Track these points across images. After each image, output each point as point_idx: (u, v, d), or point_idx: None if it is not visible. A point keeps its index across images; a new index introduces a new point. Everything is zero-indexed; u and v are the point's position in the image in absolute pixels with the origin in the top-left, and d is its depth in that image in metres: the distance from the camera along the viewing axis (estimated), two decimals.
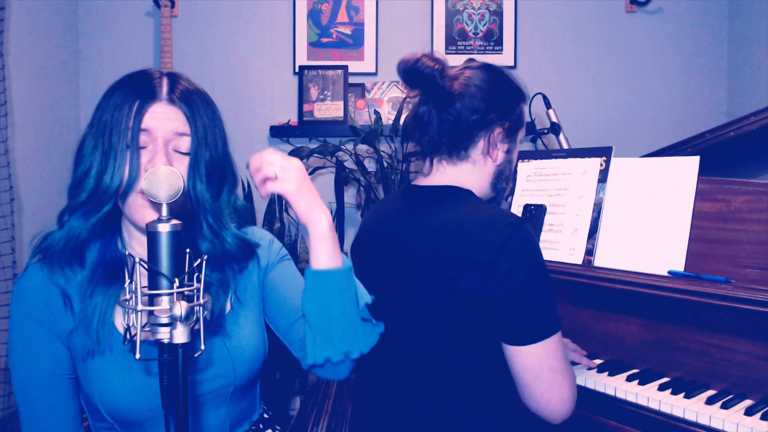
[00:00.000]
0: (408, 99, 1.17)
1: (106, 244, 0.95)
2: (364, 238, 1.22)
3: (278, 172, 0.91)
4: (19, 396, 0.94)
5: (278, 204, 2.31)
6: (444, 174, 1.14)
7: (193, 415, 0.97)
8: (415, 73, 1.09)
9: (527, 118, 1.21)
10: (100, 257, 0.93)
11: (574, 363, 1.33)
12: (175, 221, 0.68)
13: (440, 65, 1.09)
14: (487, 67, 1.15)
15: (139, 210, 0.90)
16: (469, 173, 1.14)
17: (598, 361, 1.34)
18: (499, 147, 1.14)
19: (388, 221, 1.16)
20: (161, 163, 0.88)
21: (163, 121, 0.90)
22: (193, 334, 0.67)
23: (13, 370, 0.94)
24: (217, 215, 0.97)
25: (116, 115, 0.90)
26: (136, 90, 0.91)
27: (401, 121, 1.20)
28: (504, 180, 1.18)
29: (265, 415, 1.13)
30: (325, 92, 2.55)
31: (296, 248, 2.35)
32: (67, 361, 0.94)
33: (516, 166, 1.67)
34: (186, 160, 0.92)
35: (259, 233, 1.10)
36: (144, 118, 0.89)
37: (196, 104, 0.94)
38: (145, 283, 0.67)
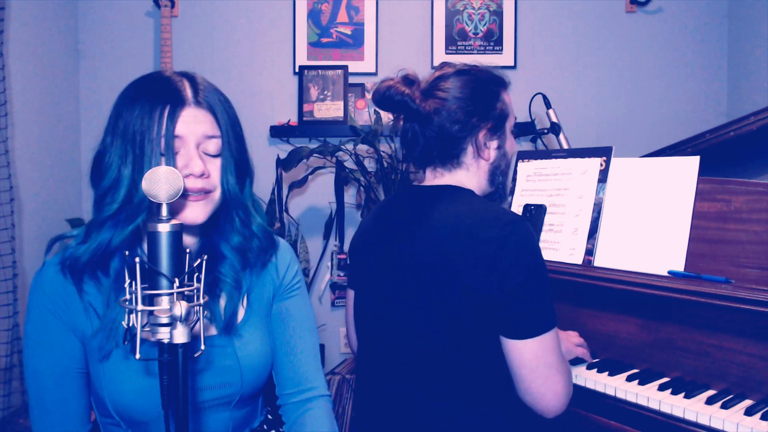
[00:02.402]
0: (396, 117, 1.19)
1: (129, 251, 0.94)
2: (364, 239, 1.23)
3: None
4: (30, 387, 0.95)
5: (278, 204, 2.31)
6: (442, 178, 1.16)
7: (195, 419, 0.98)
8: (388, 101, 1.12)
9: (511, 105, 1.21)
10: (122, 264, 0.93)
11: (577, 360, 1.33)
12: (175, 221, 0.68)
13: (410, 89, 1.12)
14: (460, 73, 1.15)
15: (187, 210, 0.91)
16: (465, 177, 1.16)
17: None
18: (489, 146, 1.16)
19: (389, 221, 1.17)
20: (197, 167, 0.90)
21: (193, 125, 0.91)
22: (194, 334, 0.67)
23: (27, 361, 0.95)
24: (246, 208, 0.99)
25: (146, 122, 0.88)
26: (161, 96, 0.90)
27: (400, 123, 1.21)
28: (501, 174, 1.20)
29: (269, 416, 1.13)
30: (325, 92, 2.55)
31: (296, 248, 2.35)
32: (80, 356, 0.95)
33: (516, 162, 1.67)
34: (217, 162, 0.94)
35: (281, 245, 1.11)
36: (177, 124, 0.89)
37: (219, 104, 0.95)
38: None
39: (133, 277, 0.67)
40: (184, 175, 0.89)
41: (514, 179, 1.66)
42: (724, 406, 1.10)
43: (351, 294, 1.30)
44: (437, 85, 1.14)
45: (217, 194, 0.95)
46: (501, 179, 1.20)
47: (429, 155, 1.15)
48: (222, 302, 0.99)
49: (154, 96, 0.90)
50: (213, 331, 0.99)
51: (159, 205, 0.69)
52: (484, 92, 1.15)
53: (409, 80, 1.14)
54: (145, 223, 0.89)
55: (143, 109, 0.89)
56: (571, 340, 1.34)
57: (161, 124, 0.88)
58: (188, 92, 0.92)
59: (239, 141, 0.98)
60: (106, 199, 0.89)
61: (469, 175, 1.16)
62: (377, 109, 1.16)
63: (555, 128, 1.94)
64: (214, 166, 0.94)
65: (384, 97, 1.12)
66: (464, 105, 1.12)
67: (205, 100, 0.93)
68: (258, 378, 1.03)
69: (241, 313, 1.02)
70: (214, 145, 0.94)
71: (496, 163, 1.18)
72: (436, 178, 1.17)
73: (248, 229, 1.00)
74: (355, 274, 1.26)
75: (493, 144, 1.16)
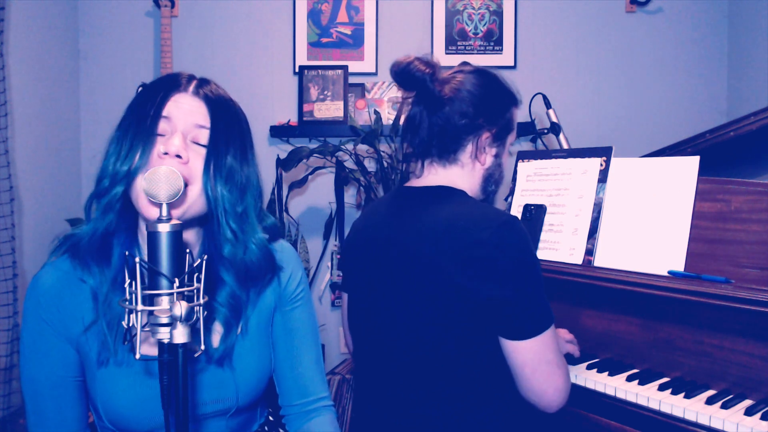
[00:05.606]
0: (405, 98, 1.18)
1: (126, 247, 0.92)
2: (358, 240, 1.22)
3: None
4: (27, 395, 0.94)
5: (278, 204, 2.31)
6: (436, 176, 1.16)
7: (191, 427, 0.97)
8: (407, 76, 1.11)
9: (517, 123, 1.22)
10: (121, 262, 0.91)
11: (576, 359, 1.33)
12: (175, 221, 0.68)
13: (431, 69, 1.11)
14: (479, 72, 1.16)
15: (141, 198, 0.86)
16: (459, 176, 1.15)
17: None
18: (487, 151, 1.16)
19: (382, 222, 1.16)
20: (175, 146, 0.86)
21: (185, 110, 0.89)
22: (194, 333, 0.67)
23: (23, 369, 0.94)
24: (240, 219, 0.93)
25: (141, 107, 0.89)
26: (162, 85, 0.92)
27: (401, 121, 1.21)
28: (493, 183, 1.20)
29: (271, 418, 1.13)
30: (325, 92, 2.55)
31: (296, 248, 2.35)
32: (75, 364, 0.94)
33: (516, 162, 1.67)
34: (203, 152, 0.90)
35: (286, 252, 1.07)
36: (166, 105, 0.89)
37: (220, 104, 0.93)
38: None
39: (133, 277, 0.67)
40: (161, 153, 0.86)
41: (514, 179, 1.66)
42: (724, 406, 1.10)
43: (346, 296, 1.29)
44: (455, 76, 1.15)
45: (194, 191, 0.88)
46: (492, 188, 1.21)
47: (428, 145, 1.15)
48: (216, 336, 0.96)
49: (155, 86, 0.92)
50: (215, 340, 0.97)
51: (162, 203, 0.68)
52: (497, 97, 1.16)
53: (429, 62, 1.13)
54: (131, 211, 0.90)
55: (143, 97, 0.91)
56: (562, 336, 1.34)
57: (152, 106, 0.89)
58: (191, 84, 0.92)
59: (239, 149, 0.93)
60: (100, 179, 0.89)
61: (463, 174, 1.15)
62: (396, 84, 1.14)
63: (555, 128, 1.94)
64: (198, 156, 0.89)
65: (404, 71, 1.11)
66: (476, 101, 1.13)
67: (205, 94, 0.92)
68: (254, 390, 1.01)
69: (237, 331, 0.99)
70: (204, 136, 0.90)
71: (490, 170, 1.18)
72: (430, 174, 1.16)
73: (242, 244, 0.94)
74: (349, 277, 1.25)
75: (492, 151, 1.17)
